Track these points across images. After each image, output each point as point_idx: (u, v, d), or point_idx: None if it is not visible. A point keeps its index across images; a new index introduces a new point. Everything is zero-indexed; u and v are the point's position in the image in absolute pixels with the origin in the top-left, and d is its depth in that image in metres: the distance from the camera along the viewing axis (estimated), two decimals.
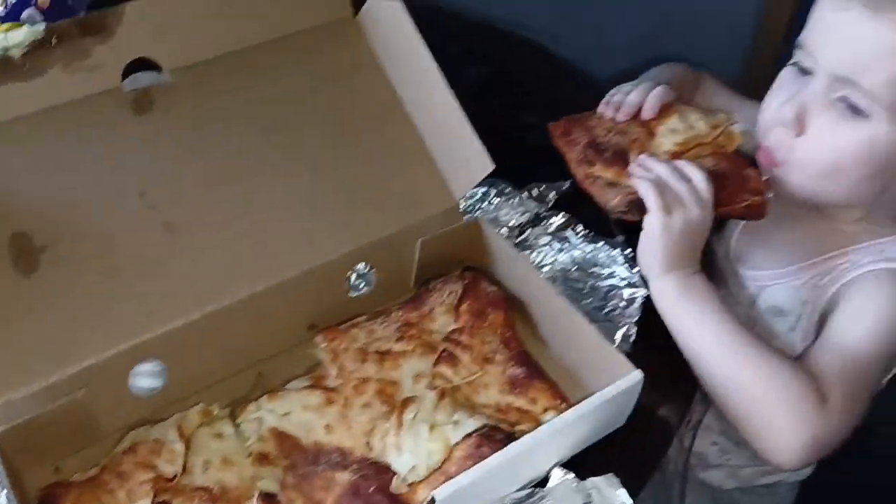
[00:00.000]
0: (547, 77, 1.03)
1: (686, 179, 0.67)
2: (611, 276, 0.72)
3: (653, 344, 0.69)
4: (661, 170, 0.67)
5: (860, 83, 0.64)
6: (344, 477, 0.58)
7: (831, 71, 0.66)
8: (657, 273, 0.67)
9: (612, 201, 0.67)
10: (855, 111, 0.66)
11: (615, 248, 0.74)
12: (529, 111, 0.94)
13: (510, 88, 1.03)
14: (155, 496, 0.55)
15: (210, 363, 0.64)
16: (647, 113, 0.74)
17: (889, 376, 0.82)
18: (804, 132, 0.68)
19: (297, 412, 0.61)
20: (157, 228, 0.63)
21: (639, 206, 0.65)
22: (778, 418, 0.64)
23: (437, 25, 1.10)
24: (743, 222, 0.82)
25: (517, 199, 0.77)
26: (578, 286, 0.72)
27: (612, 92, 0.78)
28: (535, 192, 0.78)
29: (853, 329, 0.68)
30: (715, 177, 0.67)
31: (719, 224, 0.86)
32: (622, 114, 0.74)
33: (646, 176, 0.67)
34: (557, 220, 0.77)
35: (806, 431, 0.63)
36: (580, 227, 0.76)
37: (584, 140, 0.72)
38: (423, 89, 0.70)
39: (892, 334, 0.68)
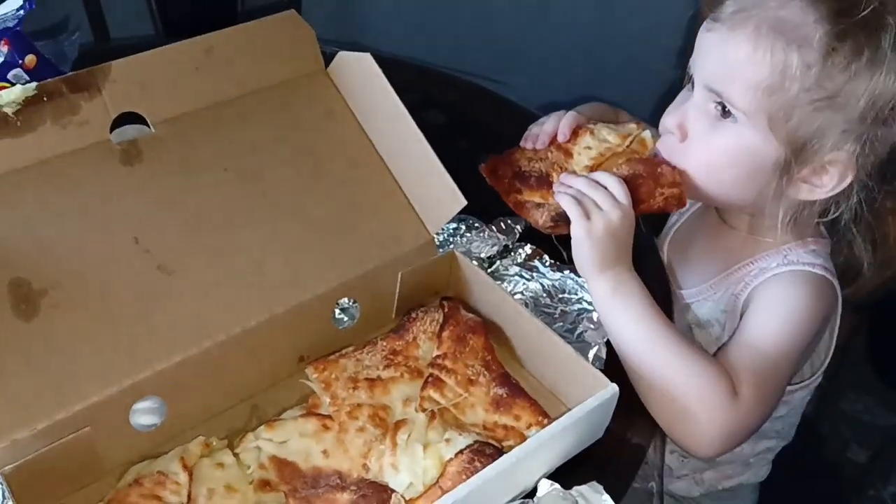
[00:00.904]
0: (499, 119, 1.09)
1: (602, 187, 0.73)
2: (579, 300, 0.77)
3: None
4: (578, 183, 0.74)
5: (725, 92, 0.73)
6: (344, 497, 0.60)
7: (705, 83, 0.74)
8: (591, 274, 0.73)
9: (541, 219, 0.75)
10: (723, 116, 0.74)
11: (581, 276, 0.79)
12: (486, 151, 1.00)
13: (467, 132, 1.08)
14: None
15: (207, 397, 0.66)
16: (560, 136, 0.82)
17: (817, 377, 0.89)
18: (686, 138, 0.76)
19: (294, 439, 0.64)
20: (151, 271, 0.66)
21: (564, 219, 0.72)
22: (692, 409, 0.69)
23: (398, 77, 1.17)
24: (667, 240, 0.90)
25: (486, 232, 0.82)
26: (549, 311, 0.77)
27: (530, 127, 0.85)
28: (502, 225, 0.83)
29: (762, 326, 0.75)
30: (631, 179, 0.75)
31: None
32: (539, 142, 0.83)
33: (566, 191, 0.74)
34: (525, 251, 0.82)
35: (718, 422, 0.69)
36: (546, 258, 0.81)
37: (510, 173, 0.80)
38: (395, 133, 0.75)
39: (798, 329, 0.76)
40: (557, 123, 0.85)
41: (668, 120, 0.79)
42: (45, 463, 0.58)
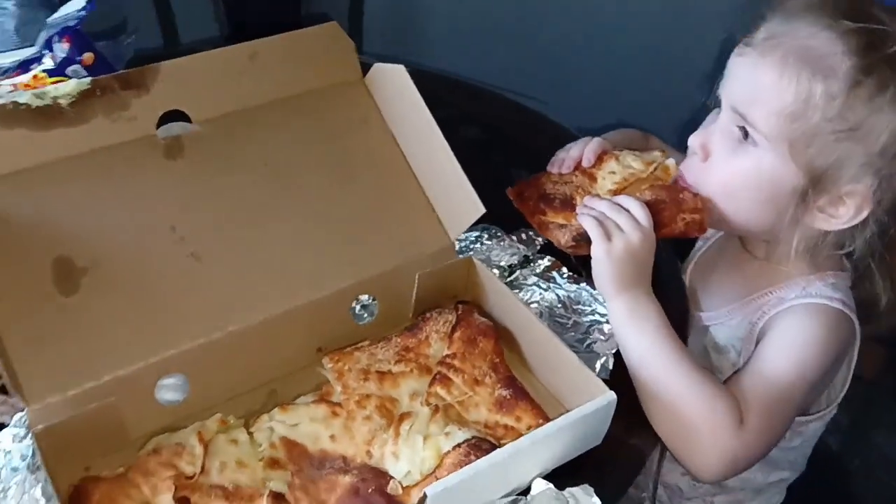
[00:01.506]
0: (535, 136, 1.12)
1: (624, 210, 0.75)
2: (592, 312, 0.80)
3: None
4: (601, 205, 0.77)
5: (749, 115, 0.75)
6: (346, 480, 0.64)
7: (731, 105, 0.76)
8: (610, 295, 0.75)
9: (563, 239, 0.78)
10: (745, 139, 0.75)
11: (596, 289, 0.81)
12: (519, 167, 1.03)
13: (503, 147, 1.12)
14: (175, 492, 0.61)
15: (228, 379, 0.70)
16: (585, 161, 0.84)
17: (832, 409, 0.89)
18: (708, 158, 0.77)
19: (304, 423, 0.68)
20: (184, 258, 0.70)
21: (585, 239, 0.75)
22: (697, 432, 0.70)
23: (440, 92, 1.21)
24: (692, 265, 0.91)
25: (506, 241, 0.85)
26: (562, 321, 0.80)
27: (557, 153, 0.88)
28: (523, 236, 0.86)
29: (774, 357, 0.76)
30: (653, 204, 0.77)
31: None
32: (565, 167, 0.85)
33: (589, 213, 0.76)
34: (544, 262, 0.85)
35: (721, 447, 0.70)
36: (564, 270, 0.84)
37: (535, 195, 0.83)
38: (423, 142, 0.79)
39: (810, 363, 0.76)
40: (583, 149, 0.87)
41: (694, 140, 0.81)
42: (73, 427, 0.63)
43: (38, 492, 0.60)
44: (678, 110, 1.16)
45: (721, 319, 0.88)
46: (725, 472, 0.73)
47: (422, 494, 0.58)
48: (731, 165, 0.78)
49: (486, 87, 1.27)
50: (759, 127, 0.74)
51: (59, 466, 0.62)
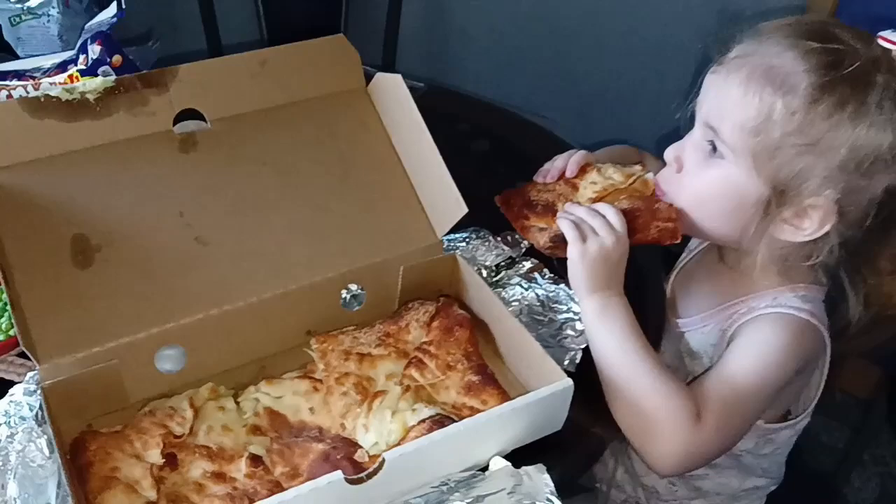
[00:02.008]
0: (540, 149, 1.17)
1: (601, 215, 0.81)
2: (567, 311, 0.85)
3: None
4: (579, 211, 0.82)
5: (717, 130, 0.79)
6: (319, 447, 0.70)
7: (703, 120, 0.81)
8: (583, 294, 0.79)
9: (542, 240, 0.83)
10: (714, 152, 0.80)
11: (573, 290, 0.86)
12: (524, 178, 1.09)
13: (509, 159, 1.18)
14: (164, 448, 0.68)
15: (222, 353, 0.77)
16: (568, 172, 0.90)
17: (803, 417, 0.92)
18: (681, 169, 0.82)
19: (288, 396, 0.74)
20: (189, 241, 0.78)
21: (563, 241, 0.80)
22: (656, 426, 0.75)
23: (451, 107, 1.28)
24: (674, 274, 0.96)
25: (492, 242, 0.91)
26: (539, 318, 0.85)
27: (544, 165, 0.93)
28: (508, 238, 0.92)
29: (737, 361, 0.80)
30: (629, 212, 0.82)
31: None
32: (550, 176, 0.91)
33: (567, 217, 0.81)
34: (528, 264, 0.90)
35: (677, 442, 0.74)
36: (546, 272, 0.89)
37: (520, 202, 0.89)
38: (415, 146, 0.85)
39: (771, 369, 0.79)
40: (567, 161, 0.93)
41: (669, 152, 0.86)
42: (78, 385, 0.70)
43: (43, 441, 0.68)
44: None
45: (696, 326, 0.92)
46: (680, 465, 0.77)
47: (381, 458, 0.63)
48: (701, 177, 0.82)
49: (500, 105, 1.34)
50: (726, 140, 0.79)
51: (63, 421, 0.70)
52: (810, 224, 0.78)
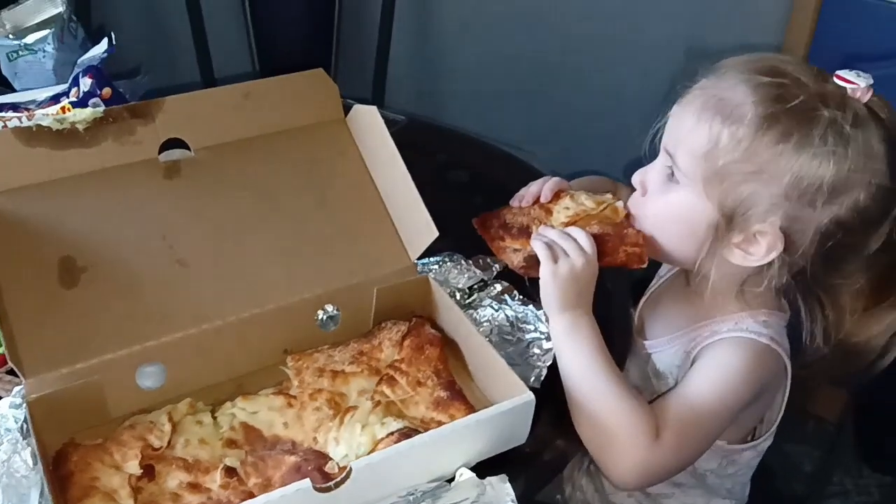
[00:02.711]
0: (515, 180, 1.22)
1: (572, 238, 0.84)
2: (535, 330, 0.88)
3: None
4: (552, 233, 0.86)
5: (674, 156, 0.83)
6: (291, 459, 0.73)
7: (664, 147, 0.85)
8: (553, 312, 0.83)
9: (516, 260, 0.87)
10: (671, 178, 0.84)
11: (541, 310, 0.90)
12: (500, 207, 1.13)
13: (486, 189, 1.22)
14: (142, 460, 0.71)
15: (201, 371, 0.80)
16: (543, 197, 0.93)
17: (765, 439, 0.95)
18: (646, 193, 0.86)
19: (263, 411, 0.77)
20: (171, 263, 0.81)
21: (535, 261, 0.83)
22: (615, 441, 0.78)
23: (431, 139, 1.33)
24: (644, 299, 0.99)
25: (463, 265, 0.95)
26: (508, 337, 0.88)
27: (521, 190, 0.97)
28: (480, 262, 0.96)
29: (698, 382, 0.83)
30: (599, 236, 0.86)
31: (635, 300, 1.04)
32: (525, 201, 0.94)
33: (540, 238, 0.85)
34: (499, 287, 0.94)
35: (635, 457, 0.77)
36: (515, 293, 0.93)
37: (496, 224, 0.93)
38: (390, 174, 0.89)
39: (729, 391, 0.82)
40: (542, 186, 0.97)
41: (635, 177, 0.90)
42: (62, 399, 0.73)
43: (27, 453, 0.71)
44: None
45: (662, 348, 0.95)
46: (638, 481, 0.80)
47: (348, 468, 0.66)
48: (660, 201, 0.86)
49: (480, 138, 1.38)
50: (680, 166, 0.83)
51: (47, 433, 0.73)
52: (758, 250, 0.81)
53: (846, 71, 0.82)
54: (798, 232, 0.80)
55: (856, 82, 0.79)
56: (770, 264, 0.82)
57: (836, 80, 0.81)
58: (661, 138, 0.88)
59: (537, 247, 0.85)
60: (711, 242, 0.83)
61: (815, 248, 0.81)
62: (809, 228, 0.80)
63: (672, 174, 0.85)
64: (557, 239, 0.86)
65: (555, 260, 0.84)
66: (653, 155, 0.90)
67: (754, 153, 0.78)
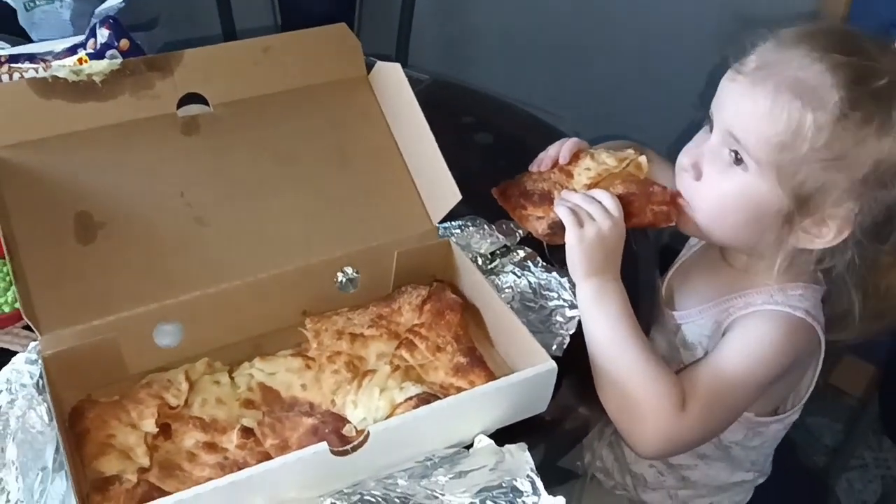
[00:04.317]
0: (542, 144, 1.19)
1: (597, 201, 0.82)
2: (558, 298, 0.86)
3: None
4: (576, 197, 0.83)
5: (741, 140, 0.79)
6: (308, 422, 0.72)
7: (723, 128, 0.81)
8: (580, 278, 0.81)
9: (540, 228, 0.85)
10: (736, 163, 0.80)
11: (564, 278, 0.88)
12: (525, 170, 1.11)
13: (511, 152, 1.20)
14: (158, 418, 0.70)
15: (219, 330, 0.79)
16: (561, 159, 0.91)
17: (793, 413, 0.93)
18: (700, 177, 0.83)
19: (281, 373, 0.76)
20: (189, 221, 0.80)
21: (560, 228, 0.81)
22: (640, 409, 0.76)
23: (455, 99, 1.30)
24: (674, 268, 0.97)
25: (486, 230, 0.93)
26: (530, 304, 0.87)
27: (539, 154, 0.95)
28: (503, 227, 0.94)
29: (728, 353, 0.81)
30: (624, 196, 0.84)
31: (662, 269, 1.02)
32: (543, 165, 0.92)
33: (564, 204, 0.83)
34: (522, 253, 0.92)
35: (660, 426, 0.76)
36: (539, 260, 0.91)
37: (517, 192, 0.90)
38: (413, 135, 0.87)
39: (760, 365, 0.81)
40: (559, 149, 0.94)
41: (684, 159, 0.85)
42: (78, 356, 0.72)
43: (42, 409, 0.70)
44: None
45: (692, 318, 0.93)
46: (661, 450, 0.78)
47: (366, 432, 0.65)
48: (721, 186, 0.82)
49: (507, 101, 1.35)
50: (751, 153, 0.78)
51: (63, 390, 0.72)
52: (827, 233, 0.79)
53: None
54: (870, 213, 0.78)
55: None
56: (840, 245, 0.79)
57: None
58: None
59: (561, 213, 0.83)
60: (778, 228, 0.80)
61: (879, 225, 0.78)
62: (881, 208, 0.77)
63: (735, 160, 0.80)
64: (582, 203, 0.84)
65: (580, 225, 0.82)
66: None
67: (836, 140, 0.75)
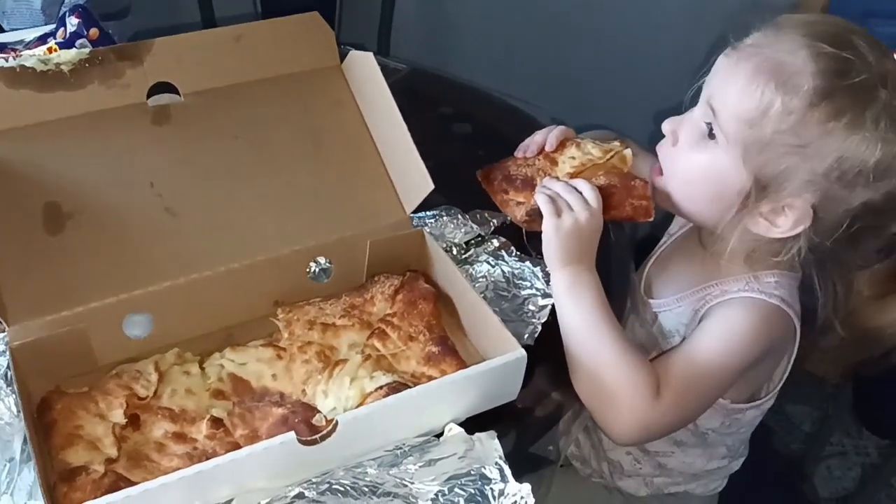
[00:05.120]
0: (520, 133, 1.19)
1: (577, 191, 0.82)
2: (530, 287, 0.86)
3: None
4: (556, 186, 0.83)
5: (716, 112, 0.80)
6: (278, 411, 0.72)
7: (705, 99, 0.81)
8: (555, 267, 0.81)
9: (518, 214, 0.85)
10: (710, 136, 0.81)
11: (537, 267, 0.88)
12: (498, 159, 1.11)
13: (490, 143, 1.19)
14: (127, 409, 0.70)
15: (189, 320, 0.79)
16: (548, 146, 0.91)
17: (768, 399, 0.94)
18: (676, 143, 0.83)
19: (251, 363, 0.76)
20: (159, 211, 0.80)
21: (538, 215, 0.81)
22: (615, 397, 0.76)
23: (434, 89, 1.29)
24: (653, 258, 0.97)
25: (460, 220, 0.93)
26: (503, 293, 0.87)
27: (525, 140, 0.95)
28: (478, 216, 0.94)
29: (702, 341, 0.81)
30: (605, 188, 0.84)
31: (638, 259, 1.02)
32: (529, 151, 0.92)
33: (544, 191, 0.82)
34: (496, 242, 0.92)
35: (635, 413, 0.76)
36: (513, 249, 0.91)
37: (500, 176, 0.90)
38: (386, 124, 0.87)
39: (734, 351, 0.81)
40: (547, 135, 0.94)
41: (666, 125, 0.86)
42: (47, 347, 0.72)
43: (10, 400, 0.70)
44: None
45: (670, 307, 0.93)
46: (636, 437, 0.79)
47: (335, 421, 0.65)
48: (692, 157, 0.83)
49: (486, 91, 1.35)
50: (722, 126, 0.79)
51: (32, 381, 0.72)
52: (784, 222, 0.79)
53: None
54: (828, 210, 0.78)
55: None
56: (792, 238, 0.80)
57: None
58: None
59: (540, 200, 0.83)
60: (738, 209, 0.81)
61: (840, 228, 0.78)
62: (840, 208, 0.77)
63: (710, 131, 0.81)
64: (562, 192, 0.84)
65: (558, 214, 0.82)
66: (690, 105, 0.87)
67: (803, 127, 0.75)
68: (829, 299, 0.86)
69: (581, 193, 0.84)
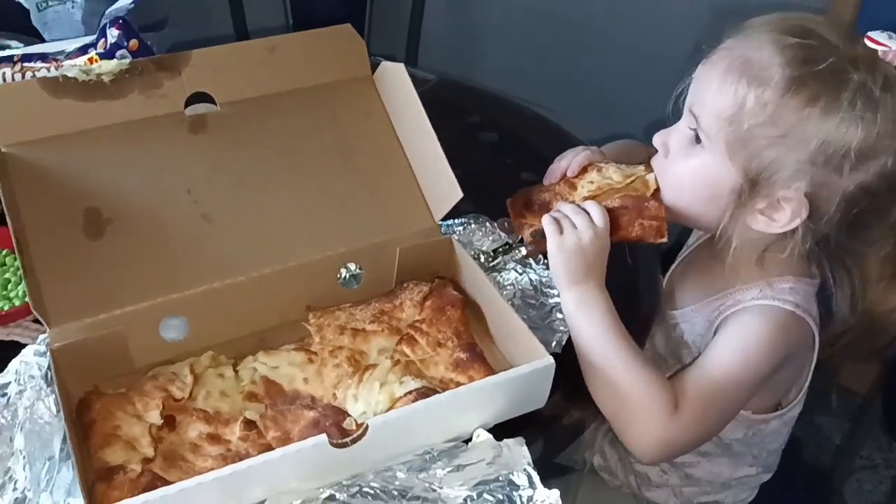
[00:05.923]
0: (546, 142, 1.20)
1: (584, 212, 0.83)
2: (558, 295, 0.87)
3: None
4: (565, 208, 0.84)
5: (697, 117, 0.81)
6: (310, 415, 0.73)
7: (690, 108, 0.83)
8: (562, 286, 0.82)
9: (525, 235, 0.85)
10: (697, 141, 0.82)
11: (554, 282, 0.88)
12: (529, 170, 1.12)
13: (516, 151, 1.21)
14: (163, 410, 0.72)
15: (223, 325, 0.81)
16: (570, 171, 0.91)
17: (790, 407, 0.93)
18: (668, 154, 0.85)
19: (284, 366, 0.78)
20: (196, 217, 0.82)
21: (543, 236, 0.83)
22: (634, 417, 0.77)
23: (461, 99, 1.31)
24: (673, 267, 0.98)
25: (488, 228, 0.94)
26: (531, 301, 0.87)
27: (552, 165, 0.95)
28: (505, 224, 0.95)
29: (718, 352, 0.82)
30: (616, 209, 0.84)
31: (664, 271, 1.02)
32: (553, 177, 0.92)
33: (553, 214, 0.84)
34: (524, 250, 0.93)
35: (656, 432, 0.76)
36: (540, 258, 0.92)
37: (521, 202, 0.92)
38: (416, 133, 0.88)
39: (751, 361, 0.81)
40: (570, 160, 0.95)
41: (656, 138, 0.87)
42: (85, 349, 0.74)
43: (50, 400, 0.72)
44: None
45: (687, 318, 0.94)
46: (659, 454, 0.79)
47: (365, 425, 0.67)
48: (683, 163, 0.84)
49: (513, 100, 1.36)
50: (704, 129, 0.81)
51: (71, 382, 0.74)
52: (782, 216, 0.80)
53: (878, 32, 0.79)
54: (823, 198, 0.78)
55: (887, 45, 0.77)
56: (794, 231, 0.80)
57: (866, 41, 0.78)
58: (685, 99, 0.86)
59: (545, 221, 0.84)
60: (734, 208, 0.81)
61: (840, 214, 0.79)
62: (835, 195, 0.78)
63: (696, 137, 0.82)
64: (569, 213, 0.84)
65: (560, 232, 0.82)
66: (676, 116, 0.88)
67: (780, 117, 0.76)
68: (846, 294, 0.86)
69: (588, 213, 0.84)
